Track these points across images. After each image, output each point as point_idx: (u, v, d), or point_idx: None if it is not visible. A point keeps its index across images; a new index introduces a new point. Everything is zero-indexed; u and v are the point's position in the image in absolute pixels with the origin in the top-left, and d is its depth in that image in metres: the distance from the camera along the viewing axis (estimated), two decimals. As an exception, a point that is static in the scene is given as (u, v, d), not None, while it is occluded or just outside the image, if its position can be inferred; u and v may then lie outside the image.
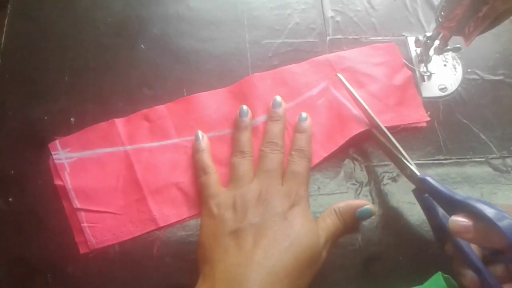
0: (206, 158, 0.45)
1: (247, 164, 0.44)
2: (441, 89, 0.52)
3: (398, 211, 0.46)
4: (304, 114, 0.47)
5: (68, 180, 0.43)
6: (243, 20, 0.53)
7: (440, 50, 0.50)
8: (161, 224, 0.43)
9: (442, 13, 0.46)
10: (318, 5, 0.55)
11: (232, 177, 0.44)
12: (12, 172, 0.44)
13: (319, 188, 0.46)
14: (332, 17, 0.55)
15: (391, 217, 0.45)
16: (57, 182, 0.43)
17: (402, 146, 0.43)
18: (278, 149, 0.45)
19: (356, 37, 0.54)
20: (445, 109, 0.51)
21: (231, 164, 0.45)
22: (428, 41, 0.51)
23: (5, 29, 0.50)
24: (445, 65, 0.53)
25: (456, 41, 0.48)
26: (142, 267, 0.42)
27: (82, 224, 0.42)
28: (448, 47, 0.50)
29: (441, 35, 0.49)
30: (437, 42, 0.51)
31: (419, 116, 0.50)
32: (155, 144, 0.46)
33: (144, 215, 0.43)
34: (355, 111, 0.48)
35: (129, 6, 0.52)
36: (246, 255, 0.37)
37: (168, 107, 0.48)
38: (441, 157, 0.48)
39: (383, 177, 0.47)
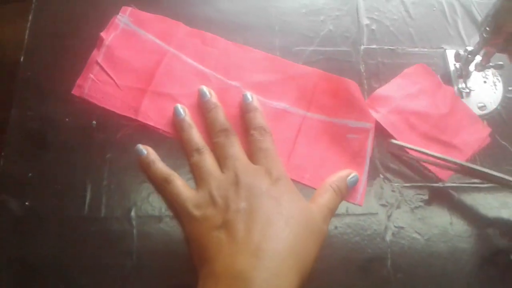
0: (164, 168, 0.43)
1: (208, 158, 0.42)
2: (480, 107, 0.49)
3: (430, 237, 0.43)
4: (248, 94, 0.45)
5: (111, 38, 0.47)
6: (274, 25, 0.51)
7: (482, 67, 0.48)
8: (139, 118, 0.45)
9: (488, 28, 0.43)
10: (353, 12, 0.53)
11: (199, 176, 0.42)
12: (30, 175, 0.42)
13: (347, 208, 0.44)
14: (367, 25, 0.52)
15: (423, 244, 0.43)
16: (103, 34, 0.48)
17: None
18: (230, 132, 0.43)
19: (392, 47, 0.51)
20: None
21: (192, 166, 0.43)
22: (469, 56, 0.48)
23: (28, 25, 0.48)
24: (485, 82, 0.51)
25: (498, 57, 0.46)
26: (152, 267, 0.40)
27: (90, 74, 0.46)
28: (490, 64, 0.47)
29: (484, 51, 0.46)
30: (478, 58, 0.48)
31: (481, 133, 0.47)
32: (190, 61, 0.48)
33: (134, 102, 0.45)
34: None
35: (156, 7, 0.50)
36: (242, 243, 0.35)
37: (227, 44, 0.49)
38: (477, 181, 0.46)
39: (416, 199, 0.44)
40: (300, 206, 0.39)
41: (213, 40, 0.49)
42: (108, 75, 0.46)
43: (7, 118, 0.44)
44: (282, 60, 0.49)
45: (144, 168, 0.43)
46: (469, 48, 0.48)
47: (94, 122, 0.44)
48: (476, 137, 0.47)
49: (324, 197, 0.41)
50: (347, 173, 0.43)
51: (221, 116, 0.44)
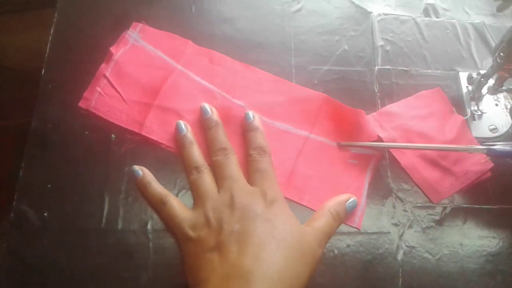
0: (160, 189, 0.43)
1: (206, 177, 0.43)
2: (491, 130, 0.50)
3: (441, 257, 0.44)
4: (250, 113, 0.46)
5: (120, 53, 0.48)
6: (290, 44, 0.52)
7: (495, 90, 0.49)
8: (143, 132, 0.45)
9: (502, 54, 0.44)
10: (367, 33, 0.54)
11: (196, 195, 0.43)
12: (49, 186, 0.43)
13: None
14: (381, 46, 0.53)
15: (434, 263, 0.43)
16: (112, 49, 0.48)
17: None
18: (229, 152, 0.44)
19: (405, 68, 0.52)
20: (494, 152, 0.49)
21: (191, 183, 0.44)
22: (482, 79, 0.49)
23: (50, 38, 0.49)
24: (496, 105, 0.51)
25: (511, 81, 0.47)
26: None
27: (97, 87, 0.46)
28: (503, 88, 0.48)
29: (497, 75, 0.47)
30: (491, 81, 0.49)
31: (481, 166, 0.47)
32: (196, 78, 0.48)
33: (139, 117, 0.46)
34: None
35: (176, 25, 0.51)
36: (235, 265, 0.36)
37: (234, 63, 0.50)
38: (489, 205, 0.46)
39: (427, 219, 0.45)
40: (293, 229, 0.39)
41: (221, 59, 0.50)
42: (115, 89, 0.47)
43: (27, 127, 0.45)
44: (288, 82, 0.50)
45: (140, 190, 0.43)
46: (482, 72, 0.49)
47: (113, 135, 0.45)
48: (476, 169, 0.47)
49: (321, 221, 0.41)
50: (346, 198, 0.43)
51: (221, 134, 0.45)
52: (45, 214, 0.42)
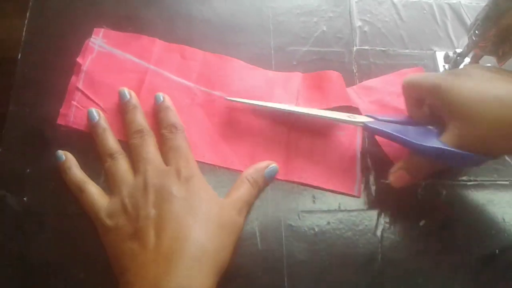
0: (80, 175, 0.42)
1: (121, 163, 0.42)
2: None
3: (420, 232, 0.44)
4: (160, 94, 0.45)
5: (88, 62, 0.47)
6: (268, 25, 0.52)
7: (470, 68, 0.49)
8: (126, 139, 0.44)
9: (477, 31, 0.45)
10: (346, 14, 0.54)
11: (112, 183, 0.41)
12: (28, 171, 0.43)
13: (340, 204, 0.45)
14: (359, 26, 0.53)
15: (414, 238, 0.44)
16: (79, 59, 0.47)
17: None
18: (145, 133, 0.43)
19: (383, 49, 0.52)
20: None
21: (106, 171, 0.42)
22: (458, 58, 0.50)
23: (26, 22, 0.49)
24: (473, 83, 0.52)
25: (486, 59, 0.47)
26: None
27: (72, 101, 0.45)
28: (478, 66, 0.48)
29: (472, 53, 0.47)
30: (467, 60, 0.49)
31: None
32: (172, 76, 0.48)
33: (121, 124, 0.45)
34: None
35: (153, 6, 0.51)
36: (154, 250, 0.36)
37: (206, 55, 0.49)
38: (465, 178, 0.47)
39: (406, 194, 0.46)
40: (211, 203, 0.39)
41: (192, 53, 0.49)
42: (91, 99, 0.45)
43: (5, 115, 0.45)
44: (261, 69, 0.50)
45: (62, 175, 0.42)
46: (458, 50, 0.50)
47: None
48: None
49: (240, 190, 0.42)
50: (265, 165, 0.44)
51: (139, 117, 0.44)
52: (25, 199, 0.42)
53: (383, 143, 0.47)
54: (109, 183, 0.42)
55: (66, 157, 0.42)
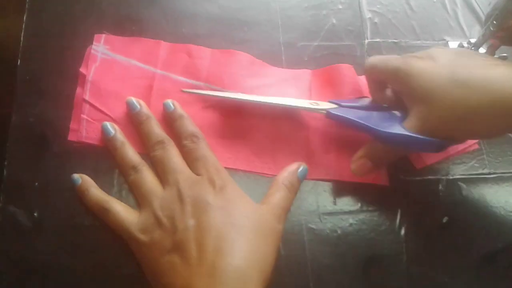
0: (101, 195, 0.40)
1: (146, 175, 0.40)
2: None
3: (442, 229, 0.44)
4: (169, 102, 0.43)
5: (92, 72, 0.44)
6: (277, 20, 0.50)
7: (486, 59, 0.48)
8: (141, 151, 0.43)
9: (495, 22, 0.43)
10: (355, 5, 0.52)
11: (140, 197, 0.40)
12: (37, 184, 0.41)
13: (361, 205, 0.44)
14: (370, 18, 0.52)
15: (436, 237, 0.43)
16: (82, 69, 0.45)
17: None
18: (167, 144, 0.41)
19: (395, 40, 0.51)
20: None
21: (131, 185, 0.41)
22: (473, 48, 0.48)
23: (24, 26, 0.46)
24: (487, 73, 0.51)
25: (502, 49, 0.46)
26: None
27: (82, 115, 0.43)
28: (495, 56, 0.47)
29: (489, 44, 0.46)
30: (482, 50, 0.48)
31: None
32: (181, 79, 0.46)
33: (134, 133, 0.43)
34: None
35: (157, 5, 0.49)
36: (197, 264, 0.34)
37: (213, 52, 0.47)
38: (486, 171, 0.46)
39: (424, 192, 0.45)
40: (249, 211, 0.38)
41: (199, 51, 0.47)
42: (101, 111, 0.43)
43: (7, 121, 0.43)
44: (272, 66, 0.48)
45: (81, 198, 0.40)
46: (473, 40, 0.49)
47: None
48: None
49: (276, 196, 0.40)
50: (297, 167, 0.42)
51: (155, 127, 0.42)
52: (35, 213, 0.40)
53: None
54: (136, 197, 0.40)
55: (82, 179, 0.40)
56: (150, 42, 0.47)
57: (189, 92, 0.44)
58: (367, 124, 0.39)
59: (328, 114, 0.42)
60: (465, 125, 0.36)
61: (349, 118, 0.40)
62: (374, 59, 0.42)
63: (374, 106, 0.43)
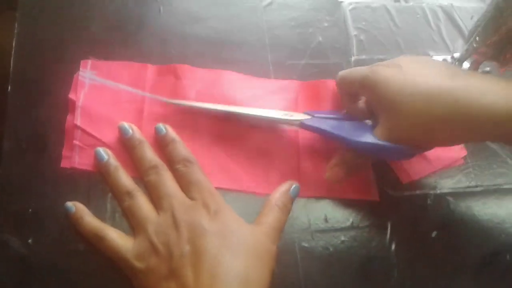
0: (94, 222, 0.40)
1: (140, 201, 0.40)
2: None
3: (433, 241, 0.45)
4: (161, 126, 0.44)
5: (81, 98, 0.44)
6: (264, 39, 0.51)
7: (470, 74, 0.49)
8: (138, 175, 0.43)
9: (477, 38, 0.45)
10: (341, 22, 0.53)
11: (134, 222, 0.40)
12: (30, 210, 0.41)
13: (352, 222, 0.44)
14: (355, 35, 0.53)
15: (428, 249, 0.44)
16: (71, 96, 0.45)
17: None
18: (160, 168, 0.41)
19: (381, 57, 0.52)
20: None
21: (125, 211, 0.41)
22: (457, 63, 0.50)
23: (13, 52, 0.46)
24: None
25: (485, 64, 0.47)
26: None
27: (74, 141, 0.43)
28: (479, 71, 0.49)
29: (473, 59, 0.47)
30: (465, 64, 0.49)
31: (455, 153, 0.48)
32: (171, 101, 0.46)
33: (126, 157, 0.43)
34: None
35: (146, 27, 0.49)
36: None
37: (198, 71, 0.48)
38: (473, 184, 0.47)
39: (413, 207, 0.46)
40: (244, 234, 0.38)
41: (185, 71, 0.47)
42: (93, 136, 0.43)
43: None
44: (259, 78, 0.49)
45: (75, 226, 0.40)
46: (456, 55, 0.50)
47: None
48: (450, 155, 0.48)
49: (270, 217, 0.41)
50: (289, 186, 0.43)
51: (148, 152, 0.42)
52: (29, 241, 0.40)
53: None
54: (131, 222, 0.40)
55: (76, 207, 0.40)
56: (137, 66, 0.47)
57: (171, 103, 0.45)
58: (338, 133, 0.41)
59: (302, 125, 0.43)
60: (428, 134, 0.38)
61: (322, 129, 0.42)
62: (344, 72, 0.43)
63: (348, 117, 0.44)
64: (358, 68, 0.42)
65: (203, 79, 0.48)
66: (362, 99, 0.44)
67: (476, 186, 0.47)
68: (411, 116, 0.37)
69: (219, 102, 0.46)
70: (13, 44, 0.47)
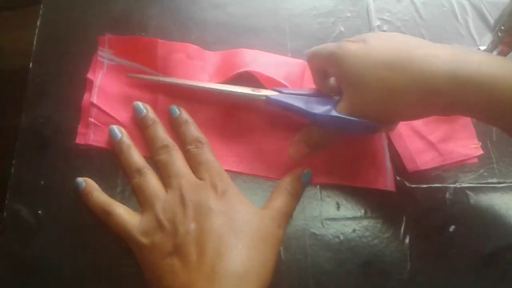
0: (103, 198, 0.40)
1: (150, 178, 0.40)
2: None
3: (447, 238, 0.43)
4: (174, 107, 0.44)
5: (99, 78, 0.45)
6: (284, 27, 0.51)
7: (496, 66, 0.47)
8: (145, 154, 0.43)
9: (503, 27, 0.43)
10: (363, 13, 0.52)
11: (142, 199, 0.40)
12: (43, 183, 0.42)
13: (365, 211, 0.43)
14: (378, 26, 0.52)
15: (439, 245, 0.42)
16: (90, 75, 0.45)
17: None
18: (171, 148, 0.42)
19: (403, 48, 0.51)
20: (498, 129, 0.48)
21: (134, 188, 0.41)
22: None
23: (37, 31, 0.48)
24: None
25: (512, 56, 0.46)
26: None
27: (90, 118, 0.43)
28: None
29: (498, 50, 0.46)
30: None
31: (469, 150, 0.46)
32: (186, 82, 0.45)
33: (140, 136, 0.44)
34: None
35: (167, 12, 0.50)
36: (197, 267, 0.34)
37: (209, 54, 0.48)
38: (495, 180, 0.45)
39: (431, 201, 0.44)
40: (250, 216, 0.38)
41: (198, 52, 0.48)
42: (108, 114, 0.44)
43: (17, 127, 0.44)
44: (266, 53, 0.48)
45: (84, 202, 0.40)
46: (482, 48, 0.48)
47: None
48: (463, 152, 0.46)
49: (278, 201, 0.40)
50: (301, 172, 0.42)
51: (160, 131, 0.43)
52: (40, 212, 0.40)
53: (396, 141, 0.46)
54: (139, 199, 0.41)
55: (86, 182, 0.41)
56: (146, 41, 0.47)
57: (133, 77, 0.45)
58: (301, 107, 0.40)
59: (267, 100, 0.42)
60: (389, 106, 0.37)
61: (286, 103, 0.41)
62: (314, 48, 0.42)
63: (319, 95, 0.43)
64: (327, 44, 0.41)
65: (214, 59, 0.48)
66: (333, 77, 0.44)
67: (499, 182, 0.45)
68: (372, 88, 0.36)
69: (235, 69, 0.46)
70: (37, 24, 0.48)
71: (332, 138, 0.42)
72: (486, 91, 0.32)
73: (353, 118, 0.38)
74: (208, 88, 0.44)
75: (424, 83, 0.34)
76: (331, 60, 0.39)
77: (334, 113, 0.38)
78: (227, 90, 0.43)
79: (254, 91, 0.43)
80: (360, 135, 0.44)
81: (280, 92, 0.43)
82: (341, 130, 0.41)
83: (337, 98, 0.41)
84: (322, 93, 0.43)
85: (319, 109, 0.39)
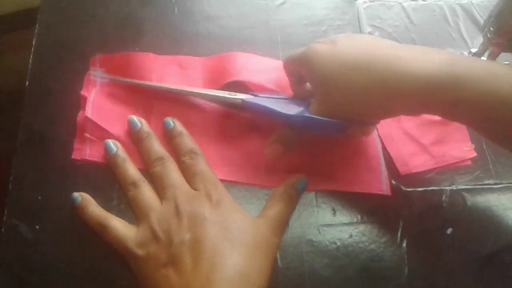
0: (99, 212, 0.40)
1: (145, 190, 0.41)
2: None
3: (444, 240, 0.42)
4: (169, 120, 0.44)
5: (93, 95, 0.45)
6: (276, 37, 0.51)
7: (488, 67, 0.47)
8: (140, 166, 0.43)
9: (491, 28, 0.43)
10: (354, 20, 0.53)
11: (137, 211, 0.40)
12: (40, 198, 0.42)
13: (361, 216, 0.43)
14: (369, 33, 0.52)
15: (438, 247, 0.42)
16: (84, 92, 0.46)
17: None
18: (166, 160, 0.42)
19: (395, 54, 0.51)
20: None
21: (130, 200, 0.41)
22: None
23: (32, 49, 0.48)
24: (491, 83, 0.50)
25: (503, 57, 0.46)
26: None
27: (85, 134, 0.44)
28: (496, 64, 0.47)
29: (489, 52, 0.46)
30: (483, 59, 0.48)
31: (463, 153, 0.46)
32: (179, 88, 0.45)
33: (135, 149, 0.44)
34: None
35: (159, 28, 0.50)
36: (192, 277, 0.34)
37: (201, 60, 0.49)
38: (491, 182, 0.45)
39: (427, 203, 0.44)
40: (245, 225, 0.38)
41: (189, 62, 0.48)
42: (103, 129, 0.44)
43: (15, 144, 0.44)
44: (261, 56, 0.49)
45: (80, 216, 0.40)
46: (473, 50, 0.48)
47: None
48: (455, 154, 0.46)
49: (273, 209, 0.40)
50: (296, 180, 0.42)
51: (155, 144, 0.43)
52: (37, 226, 0.41)
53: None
54: (135, 212, 0.41)
55: (82, 197, 0.41)
56: (139, 56, 0.48)
57: (116, 80, 0.46)
58: (275, 109, 0.41)
59: (244, 103, 0.43)
60: (355, 106, 0.37)
61: (261, 105, 0.42)
62: (289, 52, 0.43)
63: (294, 99, 0.44)
64: (301, 48, 0.42)
65: (208, 65, 0.48)
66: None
67: (496, 184, 0.45)
68: (339, 88, 0.37)
69: (227, 78, 0.46)
70: (33, 42, 0.49)
71: (302, 136, 0.43)
72: (450, 91, 0.32)
73: (324, 119, 0.38)
74: (188, 91, 0.45)
75: (384, 83, 0.35)
76: (302, 61, 0.40)
77: (306, 114, 0.39)
78: (205, 93, 0.44)
79: (230, 94, 0.44)
80: (335, 135, 0.45)
81: (255, 95, 0.44)
82: (315, 131, 0.42)
83: (311, 100, 0.42)
84: (298, 98, 0.44)
85: (293, 110, 0.40)
